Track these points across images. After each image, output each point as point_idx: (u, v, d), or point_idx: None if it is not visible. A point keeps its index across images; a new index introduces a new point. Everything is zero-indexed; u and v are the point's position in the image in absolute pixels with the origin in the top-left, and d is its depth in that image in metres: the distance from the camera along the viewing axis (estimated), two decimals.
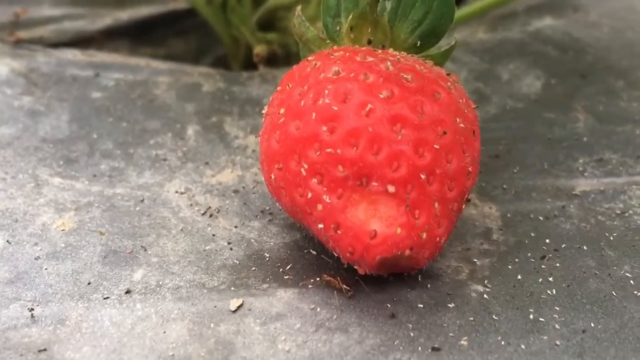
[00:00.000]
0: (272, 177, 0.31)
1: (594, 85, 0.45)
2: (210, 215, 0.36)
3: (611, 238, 0.34)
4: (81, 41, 0.53)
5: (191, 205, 0.36)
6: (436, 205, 0.29)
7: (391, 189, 0.28)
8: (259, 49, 0.47)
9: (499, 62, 0.49)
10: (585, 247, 0.34)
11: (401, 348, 0.29)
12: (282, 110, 0.30)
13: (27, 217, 0.35)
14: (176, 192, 0.37)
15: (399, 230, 0.28)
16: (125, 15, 0.57)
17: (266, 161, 0.31)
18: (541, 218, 0.35)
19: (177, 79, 0.47)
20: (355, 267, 0.30)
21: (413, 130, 0.28)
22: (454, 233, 0.35)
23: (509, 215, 0.36)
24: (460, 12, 0.50)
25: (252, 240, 0.34)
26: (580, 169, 0.39)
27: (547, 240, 0.34)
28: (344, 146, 0.28)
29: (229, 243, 0.34)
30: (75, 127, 0.42)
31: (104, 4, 0.58)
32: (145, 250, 0.33)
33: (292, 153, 0.30)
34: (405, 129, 0.28)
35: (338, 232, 0.29)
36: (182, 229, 0.35)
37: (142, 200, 0.36)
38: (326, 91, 0.29)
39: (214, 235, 0.35)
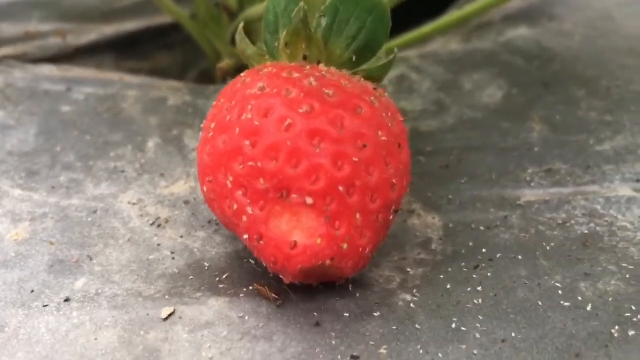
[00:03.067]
0: (205, 189, 0.32)
1: (555, 95, 0.46)
2: (159, 226, 0.37)
3: (548, 248, 0.34)
4: (64, 57, 0.55)
5: (142, 215, 0.37)
6: (358, 216, 0.30)
7: (309, 200, 0.29)
8: (223, 64, 0.48)
9: (464, 73, 0.49)
10: (520, 257, 0.34)
11: (321, 356, 0.29)
12: (212, 125, 0.31)
13: None
14: (129, 203, 0.38)
15: (319, 241, 0.29)
16: (110, 29, 0.59)
17: (200, 174, 0.32)
18: (482, 228, 0.36)
19: (146, 93, 0.48)
20: (281, 276, 0.31)
21: (332, 144, 0.29)
22: (394, 244, 0.35)
23: (451, 225, 0.36)
24: (437, 23, 0.51)
25: (195, 250, 0.35)
26: (528, 179, 0.39)
27: (484, 250, 0.34)
28: (264, 159, 0.29)
29: (172, 252, 0.35)
30: (41, 141, 0.43)
31: (90, 18, 0.59)
32: (91, 259, 0.35)
33: (220, 166, 0.30)
34: (324, 143, 0.29)
35: (261, 242, 0.30)
36: (129, 239, 0.36)
37: (95, 211, 0.38)
38: (249, 106, 0.30)
39: (159, 245, 0.36)
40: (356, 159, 0.29)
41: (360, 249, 0.30)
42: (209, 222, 0.37)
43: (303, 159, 0.29)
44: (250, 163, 0.29)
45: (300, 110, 0.29)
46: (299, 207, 0.29)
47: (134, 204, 0.38)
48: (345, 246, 0.29)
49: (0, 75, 0.49)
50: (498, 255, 0.34)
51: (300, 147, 0.29)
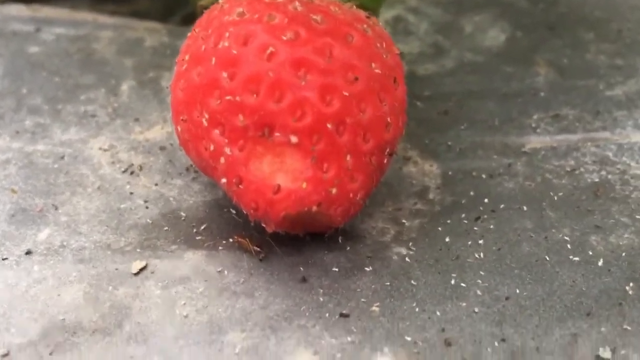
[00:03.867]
0: (179, 129, 0.29)
1: (561, 38, 0.42)
2: (132, 173, 0.34)
3: (555, 198, 0.31)
4: None
5: (113, 162, 0.34)
6: (348, 158, 0.26)
7: (294, 139, 0.26)
8: (204, 1, 0.44)
9: (464, 14, 0.45)
10: (525, 208, 0.31)
11: (307, 314, 0.26)
12: (186, 57, 0.28)
13: None
14: (100, 148, 0.35)
15: (304, 185, 0.26)
16: None
17: (174, 112, 0.29)
18: (484, 176, 0.33)
19: (121, 33, 0.44)
20: (263, 225, 0.28)
21: (319, 76, 0.26)
22: (388, 192, 0.32)
23: (450, 173, 0.33)
24: None
25: (171, 199, 0.32)
26: (533, 125, 0.36)
27: (486, 200, 0.32)
28: (243, 93, 0.26)
29: (145, 201, 0.32)
30: (6, 83, 0.40)
31: None
32: (56, 208, 0.32)
33: (195, 102, 0.27)
34: (311, 74, 0.26)
35: (240, 186, 0.27)
36: (98, 187, 0.33)
37: (62, 157, 0.34)
38: (227, 34, 0.27)
39: (131, 193, 0.33)
40: (346, 93, 0.26)
41: (351, 194, 0.27)
42: (187, 169, 0.34)
43: (287, 92, 0.26)
44: (228, 97, 0.26)
45: (284, 37, 0.26)
46: (283, 147, 0.26)
47: (105, 150, 0.35)
48: (334, 191, 0.26)
49: None
50: (501, 206, 0.31)
51: (283, 79, 0.26)
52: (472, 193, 0.32)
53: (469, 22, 0.44)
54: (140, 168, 0.34)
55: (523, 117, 0.36)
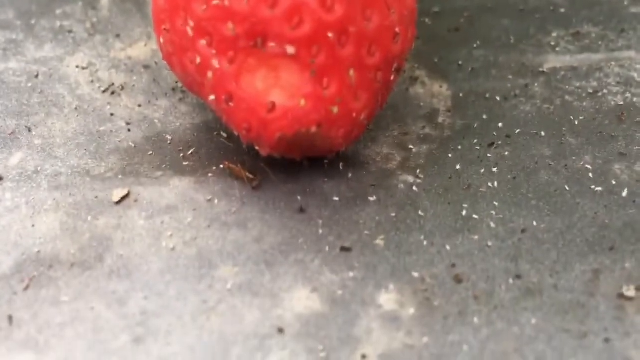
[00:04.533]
0: (162, 41, 0.26)
1: None
2: (112, 93, 0.31)
3: (576, 122, 0.29)
4: None
5: (92, 81, 0.31)
6: (351, 73, 0.24)
7: (291, 50, 0.23)
8: None
9: None
10: (543, 133, 0.28)
11: (305, 247, 0.24)
12: None
13: None
14: (77, 67, 0.32)
15: (302, 102, 0.23)
16: None
17: (155, 22, 0.26)
18: (498, 98, 0.30)
19: None
20: (256, 148, 0.25)
21: None
22: (393, 116, 0.29)
23: (461, 95, 0.30)
24: None
25: (156, 121, 0.29)
26: (552, 43, 0.33)
27: (500, 125, 0.29)
28: None
29: (127, 124, 0.29)
30: None
31: None
32: (30, 131, 0.29)
33: (178, 9, 0.24)
34: None
35: (230, 104, 0.24)
36: (76, 108, 0.30)
37: (36, 76, 0.31)
38: None
39: (112, 115, 0.30)
40: None
41: (354, 114, 0.24)
42: (173, 89, 0.31)
43: None
44: (215, 2, 0.23)
45: None
46: (278, 59, 0.23)
47: (83, 68, 0.32)
48: (335, 109, 0.24)
49: None
50: (517, 131, 0.28)
51: None
52: (485, 117, 0.29)
53: None
54: (122, 88, 0.31)
55: (541, 35, 0.33)
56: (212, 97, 0.24)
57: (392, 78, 0.25)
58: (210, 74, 0.24)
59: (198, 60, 0.24)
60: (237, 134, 0.25)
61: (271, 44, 0.23)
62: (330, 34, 0.23)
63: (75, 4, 0.36)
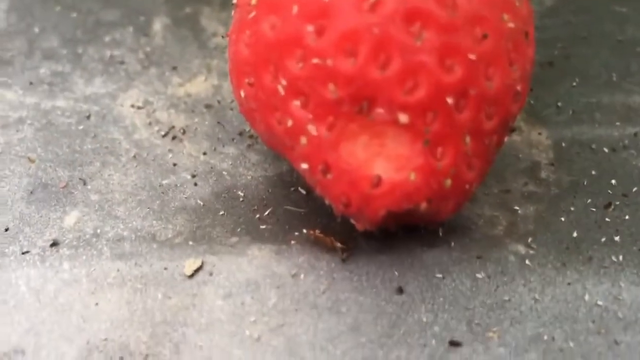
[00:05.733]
0: (242, 94, 0.22)
1: None
2: (174, 138, 0.28)
3: None
4: None
5: (150, 123, 0.28)
6: (467, 139, 0.20)
7: (403, 118, 0.20)
8: None
9: None
10: None
11: (408, 340, 0.21)
12: (253, 1, 0.22)
13: None
14: (132, 105, 0.29)
15: (412, 176, 0.20)
16: None
17: (235, 72, 0.23)
18: (606, 150, 0.27)
19: None
20: (352, 221, 0.22)
21: (439, 33, 0.19)
22: (491, 169, 0.26)
23: (563, 144, 0.27)
24: None
25: (224, 173, 0.26)
26: None
27: (613, 182, 0.26)
28: (336, 55, 0.20)
29: (193, 176, 0.26)
30: (14, 19, 0.33)
31: None
32: (85, 184, 0.26)
33: (267, 63, 0.21)
34: (428, 31, 0.19)
35: (327, 176, 0.21)
36: (134, 156, 0.27)
37: (88, 117, 0.28)
38: None
39: (175, 164, 0.27)
40: (473, 56, 0.20)
41: (467, 186, 0.21)
42: (240, 133, 0.28)
43: (396, 54, 0.19)
44: (315, 60, 0.20)
45: None
46: (386, 127, 0.20)
47: (138, 108, 0.29)
48: (448, 182, 0.20)
49: None
50: (634, 189, 0.25)
51: (392, 37, 0.19)
52: (593, 172, 0.26)
53: None
54: (183, 132, 0.28)
55: None
56: (304, 166, 0.21)
57: (504, 140, 0.22)
58: (303, 140, 0.21)
59: (289, 123, 0.21)
60: (332, 205, 0.22)
61: (379, 110, 0.20)
62: (448, 99, 0.20)
63: (125, 30, 0.32)
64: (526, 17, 0.21)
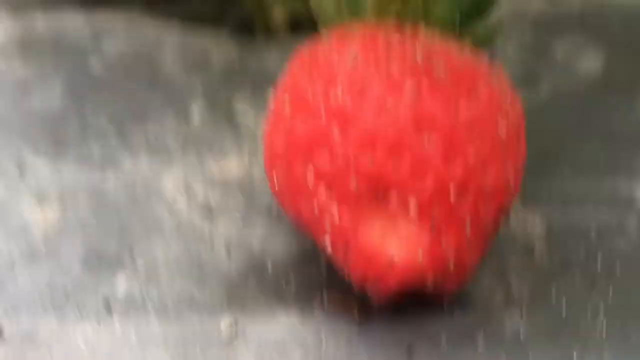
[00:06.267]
0: (275, 180, 0.26)
1: None
2: (210, 212, 0.31)
3: None
4: (90, 1, 0.49)
5: (189, 199, 0.32)
6: (468, 226, 0.24)
7: (413, 207, 0.23)
8: (278, 14, 0.42)
9: (554, 36, 0.42)
10: None
11: None
12: (287, 101, 0.26)
13: (5, 208, 0.31)
14: (173, 182, 0.33)
15: (421, 257, 0.23)
16: None
17: (268, 161, 0.27)
18: (594, 232, 0.30)
19: (186, 47, 0.42)
20: (368, 295, 0.25)
21: (444, 135, 0.23)
22: (490, 247, 0.30)
23: (555, 226, 0.30)
24: None
25: (255, 245, 0.30)
26: None
27: (600, 261, 0.29)
28: (358, 151, 0.23)
29: (227, 248, 0.30)
30: (68, 102, 0.37)
31: None
32: (132, 253, 0.29)
33: (298, 155, 0.25)
34: (434, 133, 0.23)
35: (348, 254, 0.24)
36: (176, 229, 0.30)
37: (135, 192, 0.32)
38: (339, 82, 0.24)
39: (211, 237, 0.30)
40: (472, 156, 0.23)
41: (468, 266, 0.24)
42: (269, 211, 0.31)
43: (408, 152, 0.23)
44: (340, 155, 0.23)
45: (405, 90, 0.23)
46: (398, 214, 0.23)
47: (179, 185, 0.33)
48: (451, 263, 0.24)
49: (20, 22, 0.43)
50: (618, 269, 0.28)
51: (404, 138, 0.23)
52: (583, 252, 0.29)
53: (561, 45, 0.41)
54: (219, 207, 0.32)
55: (633, 161, 0.33)
56: (327, 244, 0.25)
57: (500, 226, 0.26)
58: (327, 222, 0.24)
59: (316, 207, 0.24)
60: (351, 279, 0.25)
61: (393, 199, 0.23)
62: (451, 191, 0.23)
63: (166, 113, 0.36)
64: (518, 121, 0.25)
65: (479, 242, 0.24)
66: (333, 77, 0.24)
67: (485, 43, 0.28)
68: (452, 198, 0.23)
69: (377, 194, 0.23)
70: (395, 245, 0.23)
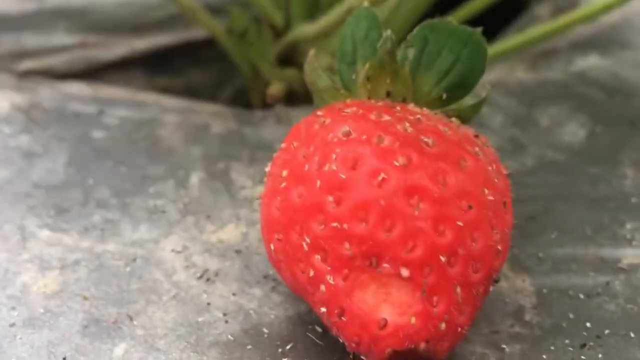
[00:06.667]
0: (272, 247, 0.27)
1: None
2: (207, 280, 0.32)
3: None
4: (92, 72, 0.51)
5: (187, 266, 0.33)
6: (458, 290, 0.25)
7: (405, 272, 0.24)
8: (273, 89, 0.43)
9: (538, 106, 0.44)
10: (632, 334, 0.29)
11: None
12: (284, 173, 0.27)
13: (7, 275, 0.32)
14: (172, 250, 0.34)
15: (413, 320, 0.24)
16: (141, 43, 0.54)
17: (266, 229, 0.28)
18: (582, 296, 0.31)
19: (186, 118, 0.43)
20: (362, 358, 0.26)
21: (433, 204, 0.24)
22: (481, 312, 0.30)
23: (544, 290, 0.31)
24: (496, 48, 0.46)
25: (251, 312, 0.30)
26: (628, 236, 0.34)
27: (588, 324, 0.30)
28: (351, 220, 0.24)
29: (224, 314, 0.30)
30: (71, 172, 0.38)
31: (120, 31, 0.55)
32: (131, 320, 0.30)
33: (294, 224, 0.26)
34: (424, 203, 0.24)
35: (342, 318, 0.25)
36: (174, 296, 0.31)
37: (134, 260, 0.33)
38: (334, 155, 0.25)
39: (208, 304, 0.31)
40: (460, 223, 0.25)
41: (459, 329, 0.25)
42: (265, 276, 0.32)
43: (399, 221, 0.24)
44: (334, 224, 0.25)
45: (396, 163, 0.25)
46: (390, 278, 0.24)
47: (178, 252, 0.33)
48: (442, 326, 0.25)
49: (25, 94, 0.45)
50: (606, 332, 0.29)
51: (395, 207, 0.24)
52: (571, 315, 0.30)
53: (545, 114, 0.43)
54: (216, 274, 0.32)
55: (615, 226, 0.34)
56: (323, 309, 0.26)
57: (490, 289, 0.26)
58: (323, 288, 0.25)
59: (311, 273, 0.25)
60: (345, 343, 0.26)
61: (385, 265, 0.24)
62: (442, 257, 0.24)
63: (166, 182, 0.38)
64: (504, 190, 0.26)
65: (470, 305, 0.25)
66: (327, 150, 0.25)
67: (471, 114, 0.29)
68: (443, 263, 0.24)
69: (370, 260, 0.24)
70: (388, 309, 0.24)
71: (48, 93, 0.45)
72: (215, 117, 0.44)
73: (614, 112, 0.43)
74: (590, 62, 0.49)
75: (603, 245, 0.34)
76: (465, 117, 0.29)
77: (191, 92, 0.52)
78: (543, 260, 0.33)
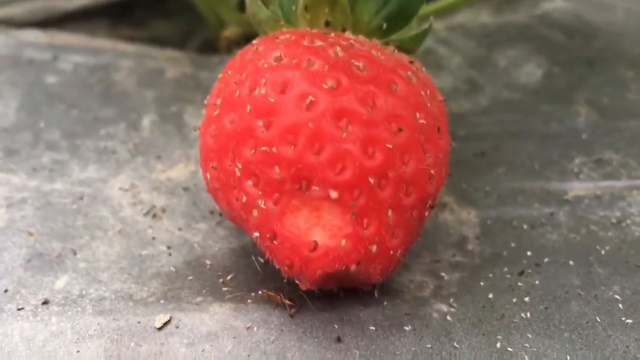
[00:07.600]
0: (208, 176, 0.27)
1: (600, 75, 0.41)
2: (154, 216, 0.32)
3: (602, 252, 0.30)
4: (53, 22, 0.50)
5: (134, 203, 0.33)
6: (389, 213, 0.25)
7: (334, 194, 0.24)
8: (229, 32, 0.43)
9: (497, 48, 0.44)
10: (571, 262, 0.29)
11: None
12: (218, 101, 0.27)
13: None
14: (120, 188, 0.34)
15: (343, 242, 0.24)
16: None
17: (202, 158, 0.28)
18: (525, 226, 0.31)
19: (141, 63, 0.43)
20: (297, 281, 0.26)
21: (362, 127, 0.24)
22: (424, 242, 0.30)
23: (488, 222, 0.32)
24: None
25: (195, 245, 0.31)
26: (576, 170, 0.34)
27: (529, 253, 0.30)
28: (280, 144, 0.24)
29: (168, 247, 0.30)
30: (23, 115, 0.38)
31: None
32: (75, 254, 0.30)
33: (226, 150, 0.26)
34: (353, 125, 0.24)
35: (274, 242, 0.25)
36: (119, 231, 0.31)
37: (81, 198, 0.33)
38: (263, 80, 0.25)
39: (153, 238, 0.31)
40: (390, 145, 0.24)
41: (391, 252, 0.25)
42: (211, 212, 0.32)
43: (327, 144, 0.24)
44: (264, 148, 0.25)
45: (325, 86, 0.24)
46: (321, 201, 0.24)
47: (125, 190, 0.33)
48: (374, 248, 0.25)
49: None
50: (545, 260, 0.29)
51: (324, 130, 0.24)
52: (513, 245, 0.30)
53: (503, 56, 0.43)
54: (163, 210, 0.32)
55: (564, 161, 0.35)
56: (256, 234, 0.26)
57: (426, 214, 0.27)
58: (255, 213, 0.25)
59: (244, 199, 0.25)
60: (278, 267, 0.26)
61: (315, 188, 0.24)
62: (370, 179, 0.24)
63: (118, 125, 0.37)
64: (437, 115, 0.26)
65: (403, 229, 0.25)
66: (258, 77, 0.25)
67: (412, 45, 0.29)
68: (372, 185, 0.24)
69: (300, 183, 0.24)
70: (319, 232, 0.24)
71: (2, 40, 0.45)
72: (171, 62, 0.44)
73: (573, 53, 0.43)
74: (554, 4, 0.49)
75: (550, 179, 0.34)
76: (408, 49, 0.29)
77: (156, 44, 0.51)
78: (489, 194, 0.33)
